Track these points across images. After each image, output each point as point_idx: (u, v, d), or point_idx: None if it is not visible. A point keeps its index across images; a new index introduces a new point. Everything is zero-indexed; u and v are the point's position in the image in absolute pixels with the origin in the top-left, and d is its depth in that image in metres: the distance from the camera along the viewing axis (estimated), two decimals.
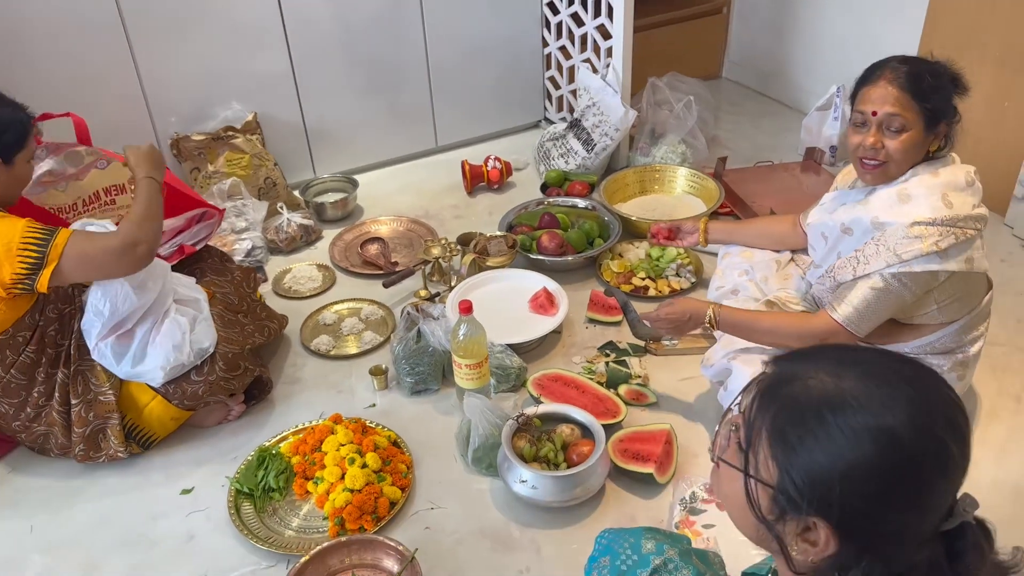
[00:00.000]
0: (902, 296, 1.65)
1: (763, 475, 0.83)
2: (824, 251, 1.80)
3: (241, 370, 1.97)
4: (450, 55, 3.11)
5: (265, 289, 2.52)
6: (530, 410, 1.86)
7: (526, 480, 1.70)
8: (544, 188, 2.92)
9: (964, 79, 1.62)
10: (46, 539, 1.78)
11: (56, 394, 1.87)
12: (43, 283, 1.70)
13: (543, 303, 2.26)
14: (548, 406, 1.90)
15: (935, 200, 1.62)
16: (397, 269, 2.53)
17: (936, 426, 0.78)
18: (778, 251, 2.10)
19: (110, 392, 1.88)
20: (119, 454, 1.89)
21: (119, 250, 1.74)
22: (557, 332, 2.26)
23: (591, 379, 2.07)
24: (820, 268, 1.79)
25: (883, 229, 1.64)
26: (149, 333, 1.87)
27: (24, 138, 1.79)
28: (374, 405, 2.09)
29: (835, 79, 3.02)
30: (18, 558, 1.74)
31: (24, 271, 1.68)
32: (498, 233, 2.52)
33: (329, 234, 2.80)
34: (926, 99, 1.60)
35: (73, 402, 1.87)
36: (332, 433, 1.91)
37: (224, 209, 2.34)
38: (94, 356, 1.88)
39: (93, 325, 1.85)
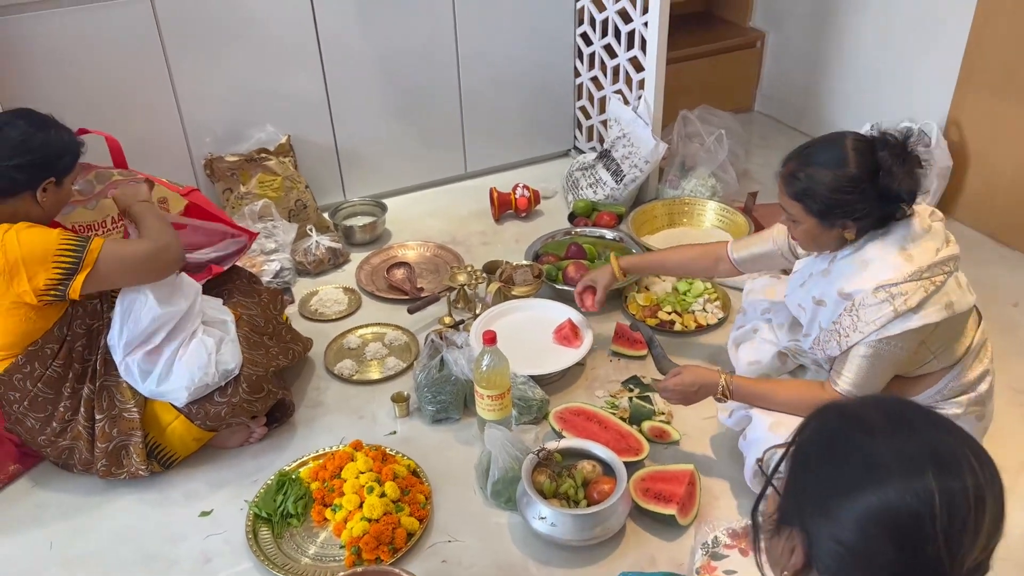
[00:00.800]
0: (896, 355, 1.62)
1: (780, 484, 0.90)
2: (807, 322, 1.78)
3: (264, 392, 1.98)
4: (482, 82, 3.13)
5: (291, 311, 2.53)
6: (551, 445, 1.85)
7: (545, 517, 1.68)
8: (572, 218, 2.91)
9: (894, 169, 1.52)
10: (65, 555, 1.79)
11: (82, 408, 1.89)
12: (76, 288, 1.75)
13: (567, 335, 2.25)
14: (570, 441, 1.88)
15: (892, 258, 1.58)
16: (422, 295, 2.53)
17: (937, 508, 0.76)
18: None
19: (134, 409, 1.90)
20: (140, 472, 1.89)
21: (153, 253, 1.83)
22: (580, 364, 2.25)
23: (614, 414, 2.05)
24: (809, 337, 1.77)
25: (851, 299, 1.61)
26: (176, 352, 1.88)
27: (76, 161, 1.86)
28: (395, 432, 2.08)
29: (869, 116, 2.99)
30: (36, 573, 1.75)
31: (59, 276, 1.73)
32: (524, 262, 2.51)
33: (357, 257, 2.81)
34: (799, 200, 1.61)
35: (97, 417, 1.89)
36: (352, 460, 1.90)
37: (257, 233, 2.34)
38: (120, 372, 1.89)
39: (120, 338, 1.87)
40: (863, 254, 1.63)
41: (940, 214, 1.68)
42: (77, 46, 2.50)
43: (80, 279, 1.74)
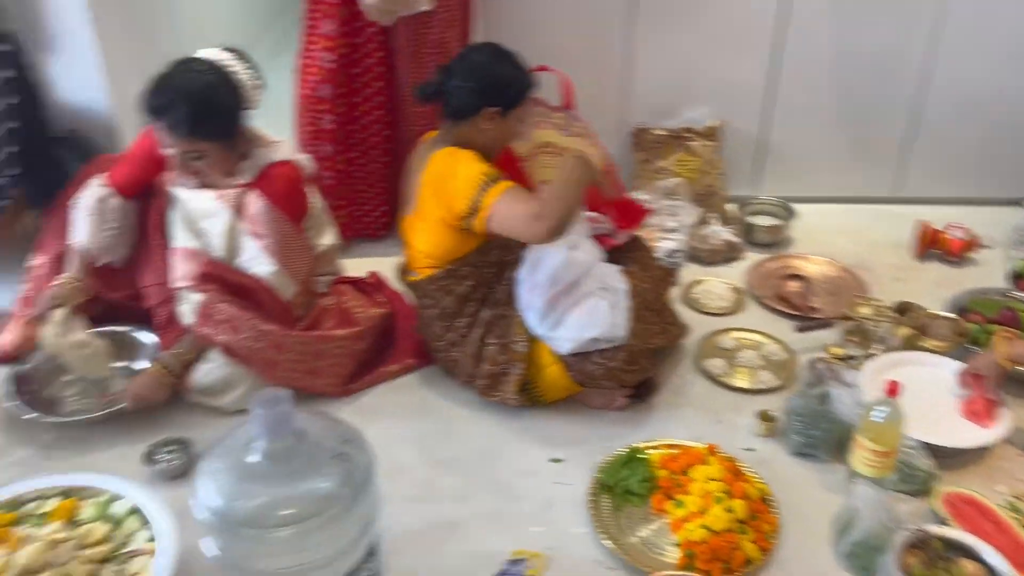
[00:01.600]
0: None
1: None
2: None
3: (639, 366, 2.00)
4: (941, 101, 2.79)
5: (673, 293, 2.51)
6: (934, 528, 1.61)
7: None
8: (1016, 278, 2.49)
9: None
10: (431, 455, 1.97)
11: (478, 328, 2.06)
12: (476, 226, 1.90)
13: (979, 411, 1.94)
14: (957, 532, 1.62)
15: None
16: (815, 315, 2.36)
17: None
18: None
19: (523, 343, 2.02)
20: (510, 400, 2.02)
21: (527, 219, 1.82)
22: (984, 448, 1.93)
23: (1016, 520, 1.73)
24: None
25: None
26: (573, 306, 1.96)
27: (521, 98, 1.98)
28: (753, 450, 1.97)
29: None
30: (408, 464, 1.94)
31: (467, 210, 1.89)
32: (946, 314, 2.21)
33: (751, 257, 2.70)
34: None
35: (490, 340, 2.05)
36: (704, 463, 1.84)
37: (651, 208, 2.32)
38: (521, 307, 2.02)
39: (529, 276, 1.99)
40: None
41: None
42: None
43: (480, 218, 1.87)
